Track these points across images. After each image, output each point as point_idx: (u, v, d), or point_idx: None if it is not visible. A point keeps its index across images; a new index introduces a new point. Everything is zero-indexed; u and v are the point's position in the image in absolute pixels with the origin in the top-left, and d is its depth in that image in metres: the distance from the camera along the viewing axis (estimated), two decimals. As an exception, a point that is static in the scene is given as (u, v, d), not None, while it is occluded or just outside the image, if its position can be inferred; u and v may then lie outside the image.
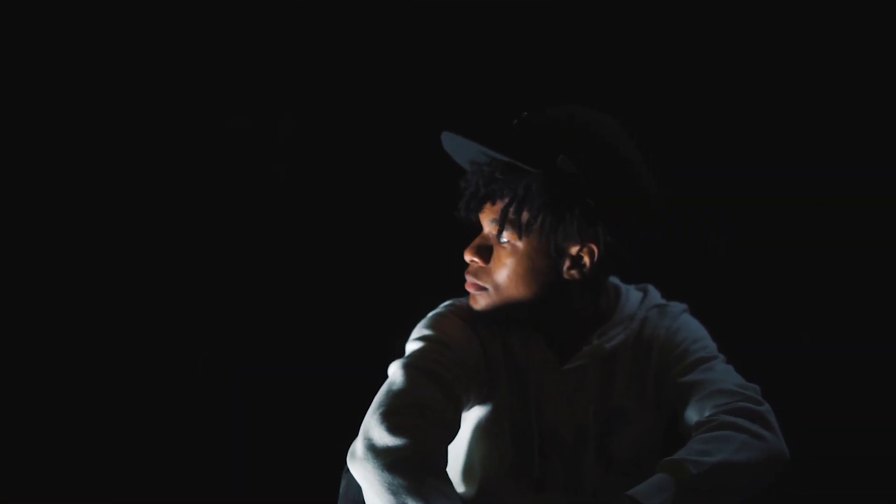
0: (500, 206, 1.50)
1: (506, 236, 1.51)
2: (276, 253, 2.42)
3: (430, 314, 1.61)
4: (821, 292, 2.40)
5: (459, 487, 1.63)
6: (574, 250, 1.50)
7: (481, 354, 1.57)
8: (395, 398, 1.46)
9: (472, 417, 1.60)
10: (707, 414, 1.48)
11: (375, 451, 1.40)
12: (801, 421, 2.35)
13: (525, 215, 1.47)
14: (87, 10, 2.28)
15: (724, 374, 1.56)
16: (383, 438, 1.40)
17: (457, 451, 1.63)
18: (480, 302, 1.56)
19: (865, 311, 2.39)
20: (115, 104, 2.34)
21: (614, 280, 1.68)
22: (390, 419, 1.42)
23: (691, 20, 2.36)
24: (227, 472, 2.35)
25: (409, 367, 1.50)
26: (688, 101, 2.39)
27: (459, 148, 1.53)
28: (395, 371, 1.51)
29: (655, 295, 1.69)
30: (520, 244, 1.51)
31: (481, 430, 1.59)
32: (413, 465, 1.39)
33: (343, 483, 1.50)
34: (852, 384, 2.37)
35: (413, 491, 1.37)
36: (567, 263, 1.52)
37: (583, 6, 2.36)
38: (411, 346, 1.56)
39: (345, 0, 2.35)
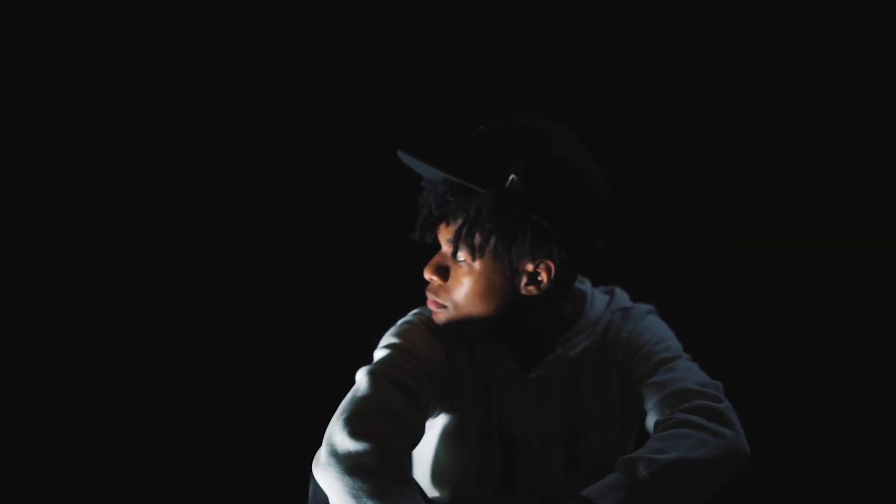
0: (454, 227, 1.51)
1: (461, 256, 1.53)
2: (275, 253, 2.42)
3: (399, 322, 1.64)
4: (821, 292, 2.40)
5: (430, 493, 1.65)
6: (530, 268, 1.52)
7: (447, 363, 1.60)
8: (358, 404, 1.48)
9: (439, 425, 1.63)
10: (666, 414, 1.49)
11: (337, 455, 1.42)
12: (801, 421, 2.36)
13: (477, 238, 1.49)
14: (87, 10, 2.28)
15: (686, 372, 1.56)
16: (345, 443, 1.42)
17: (426, 458, 1.65)
18: (442, 318, 1.59)
19: (865, 311, 2.39)
20: (115, 104, 2.34)
21: (582, 284, 1.68)
22: (353, 424, 1.44)
23: (691, 20, 2.36)
24: (227, 472, 2.35)
25: (374, 375, 1.52)
26: (688, 101, 2.39)
27: (417, 165, 1.54)
28: (360, 378, 1.53)
29: (622, 297, 1.70)
30: (476, 264, 1.52)
31: (448, 437, 1.62)
32: (375, 469, 1.40)
33: (311, 488, 1.51)
34: (852, 384, 2.37)
35: (375, 495, 1.38)
36: (524, 280, 1.53)
37: (583, 6, 2.36)
38: (378, 353, 1.58)
39: (345, 0, 2.35)
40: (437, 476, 1.65)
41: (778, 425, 2.35)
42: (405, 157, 1.53)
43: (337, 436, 1.44)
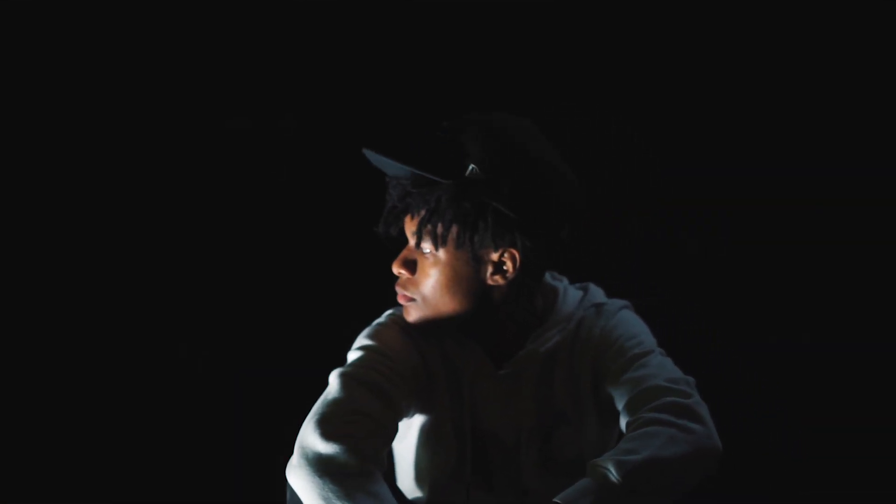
0: (418, 219, 1.52)
1: (426, 247, 1.54)
2: (276, 253, 2.42)
3: (372, 324, 1.65)
4: (821, 292, 2.40)
5: (414, 492, 1.67)
6: (495, 256, 1.52)
7: (420, 362, 1.61)
8: (329, 406, 1.49)
9: (417, 424, 1.64)
10: (636, 413, 1.49)
11: (308, 458, 1.43)
12: (801, 421, 2.36)
13: (439, 227, 1.50)
14: (87, 10, 2.28)
15: (657, 368, 1.55)
16: (316, 445, 1.43)
17: (408, 458, 1.67)
18: (412, 313, 1.60)
19: (865, 311, 2.39)
20: (115, 104, 2.34)
21: (557, 281, 1.69)
22: (324, 426, 1.45)
23: (691, 20, 2.36)
24: (228, 472, 2.35)
25: (345, 377, 1.53)
26: (688, 101, 2.39)
27: (381, 162, 1.55)
28: (332, 380, 1.55)
29: (596, 293, 1.69)
30: (440, 254, 1.53)
31: (426, 435, 1.63)
32: (346, 471, 1.41)
33: (288, 493, 1.52)
34: (852, 384, 2.37)
35: (345, 496, 1.39)
36: (489, 270, 1.54)
37: (583, 5, 2.36)
38: (351, 355, 1.60)
39: (345, 0, 2.36)
40: (418, 474, 1.66)
41: (778, 425, 2.36)
42: (370, 155, 1.54)
43: (308, 438, 1.45)
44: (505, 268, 1.53)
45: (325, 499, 1.40)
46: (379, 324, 1.65)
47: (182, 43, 2.33)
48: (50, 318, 2.34)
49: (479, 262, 1.53)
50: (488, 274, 1.54)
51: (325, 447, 1.43)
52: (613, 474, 1.36)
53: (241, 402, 2.36)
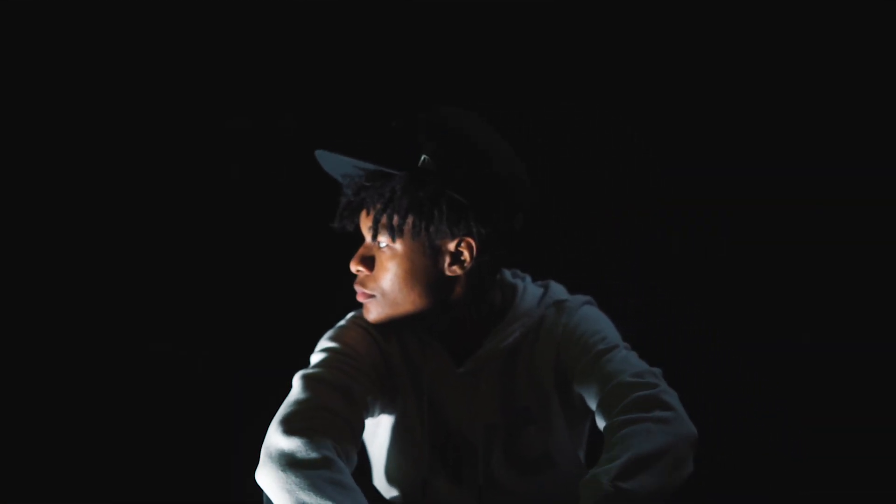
0: (373, 213, 1.53)
1: (382, 241, 1.55)
2: (276, 253, 2.42)
3: (335, 326, 1.66)
4: (821, 292, 2.40)
5: (389, 490, 1.68)
6: (451, 246, 1.54)
7: (382, 362, 1.62)
8: (292, 406, 1.50)
9: (385, 423, 1.66)
10: (610, 417, 1.48)
11: (272, 456, 1.44)
12: (801, 421, 2.36)
13: (395, 218, 1.51)
14: (88, 10, 2.28)
15: (622, 364, 1.55)
16: (278, 442, 1.44)
17: (379, 457, 1.69)
18: (372, 310, 1.61)
19: (865, 311, 2.39)
20: (115, 104, 2.34)
21: (517, 278, 1.70)
22: (286, 425, 1.47)
23: (691, 20, 2.36)
24: (227, 472, 2.35)
25: (307, 378, 1.55)
26: (688, 101, 2.39)
27: (333, 164, 1.57)
28: (295, 382, 1.56)
29: (557, 290, 1.70)
30: (398, 247, 1.54)
31: (392, 434, 1.65)
32: (307, 463, 1.42)
33: (265, 500, 1.52)
34: (852, 384, 2.37)
35: (308, 487, 1.39)
36: (447, 260, 1.55)
37: (583, 5, 2.36)
38: (314, 357, 1.61)
39: (344, 0, 2.36)
40: (388, 473, 1.68)
41: (778, 425, 2.36)
42: (323, 160, 1.56)
43: (271, 438, 1.46)
44: (462, 258, 1.54)
45: (289, 491, 1.40)
46: (341, 326, 1.66)
47: (182, 43, 2.33)
48: (50, 320, 2.34)
49: (436, 252, 1.53)
50: (446, 264, 1.55)
51: (287, 443, 1.43)
52: (605, 484, 1.35)
53: (241, 402, 2.36)
